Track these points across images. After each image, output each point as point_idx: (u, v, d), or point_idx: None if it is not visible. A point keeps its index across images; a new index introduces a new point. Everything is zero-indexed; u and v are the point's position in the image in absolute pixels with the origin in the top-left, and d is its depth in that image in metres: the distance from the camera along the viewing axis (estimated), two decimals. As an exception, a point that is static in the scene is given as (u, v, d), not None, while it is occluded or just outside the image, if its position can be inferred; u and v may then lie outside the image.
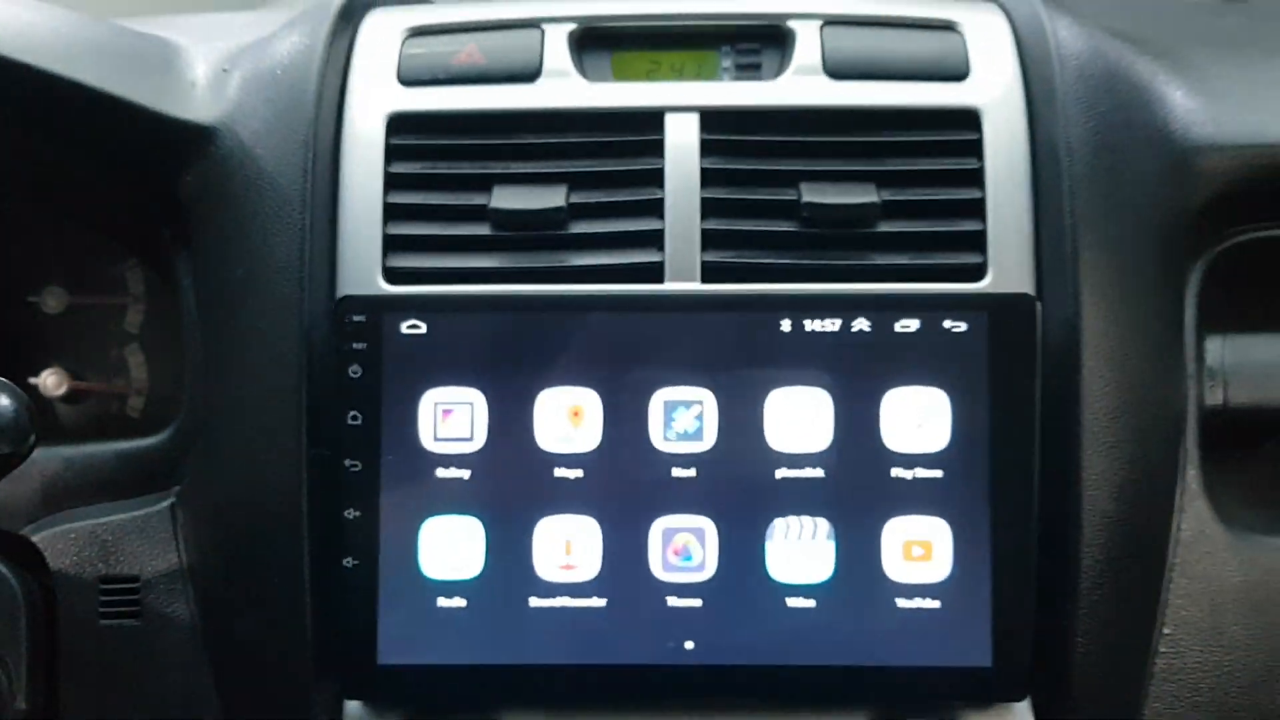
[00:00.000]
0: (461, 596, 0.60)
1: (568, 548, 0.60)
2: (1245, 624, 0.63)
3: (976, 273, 0.61)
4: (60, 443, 0.68)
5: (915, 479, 0.59)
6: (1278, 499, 0.68)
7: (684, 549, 0.60)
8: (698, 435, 0.59)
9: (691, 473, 0.59)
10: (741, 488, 0.59)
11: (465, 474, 0.60)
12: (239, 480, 0.61)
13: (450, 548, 0.60)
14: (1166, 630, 0.63)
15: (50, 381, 0.72)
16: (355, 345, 0.59)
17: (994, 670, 0.59)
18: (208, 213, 0.64)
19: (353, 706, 0.62)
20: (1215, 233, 0.66)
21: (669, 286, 0.61)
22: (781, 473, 0.59)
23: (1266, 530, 0.65)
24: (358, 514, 0.60)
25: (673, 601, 0.59)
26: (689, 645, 0.59)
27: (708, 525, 0.60)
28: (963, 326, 0.59)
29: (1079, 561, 0.59)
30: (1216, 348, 0.65)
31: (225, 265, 0.62)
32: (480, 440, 0.60)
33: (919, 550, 0.59)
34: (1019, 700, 0.59)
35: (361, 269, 0.62)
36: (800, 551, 0.59)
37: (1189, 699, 0.63)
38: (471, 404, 0.59)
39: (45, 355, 0.72)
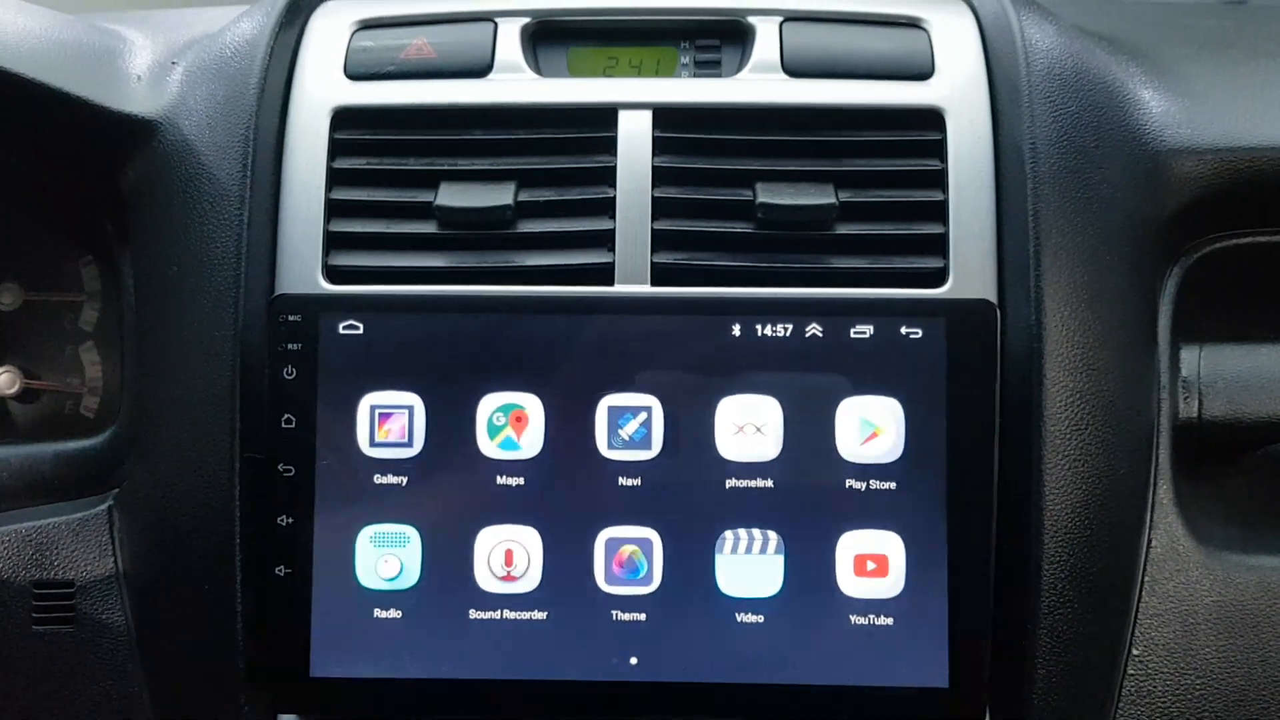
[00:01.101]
0: (398, 607, 0.58)
1: (509, 558, 0.58)
2: (1218, 646, 0.61)
3: (937, 278, 0.59)
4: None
5: (869, 490, 0.57)
6: (1254, 516, 0.65)
7: (629, 560, 0.57)
8: (644, 443, 0.57)
9: (637, 482, 0.57)
10: (689, 498, 0.57)
11: (402, 481, 0.58)
12: (172, 484, 0.60)
13: (386, 557, 0.57)
14: (1135, 652, 0.60)
15: (3, 380, 0.70)
16: (290, 346, 0.57)
17: (950, 691, 0.57)
18: (147, 207, 0.62)
19: (286, 720, 0.60)
20: (1190, 240, 0.64)
21: (618, 289, 0.59)
22: (730, 483, 0.57)
23: (1242, 548, 0.62)
24: (291, 520, 0.58)
25: (617, 615, 0.57)
26: (634, 661, 0.57)
27: (654, 537, 0.57)
28: (919, 333, 0.56)
29: (1040, 578, 0.57)
30: (1191, 358, 0.63)
31: (163, 262, 0.61)
32: (418, 446, 0.58)
33: (872, 565, 0.57)
34: (976, 724, 0.57)
35: (302, 267, 0.60)
36: (750, 565, 0.57)
37: (1158, 724, 0.60)
38: (410, 408, 0.57)
39: (-1, 353, 0.71)
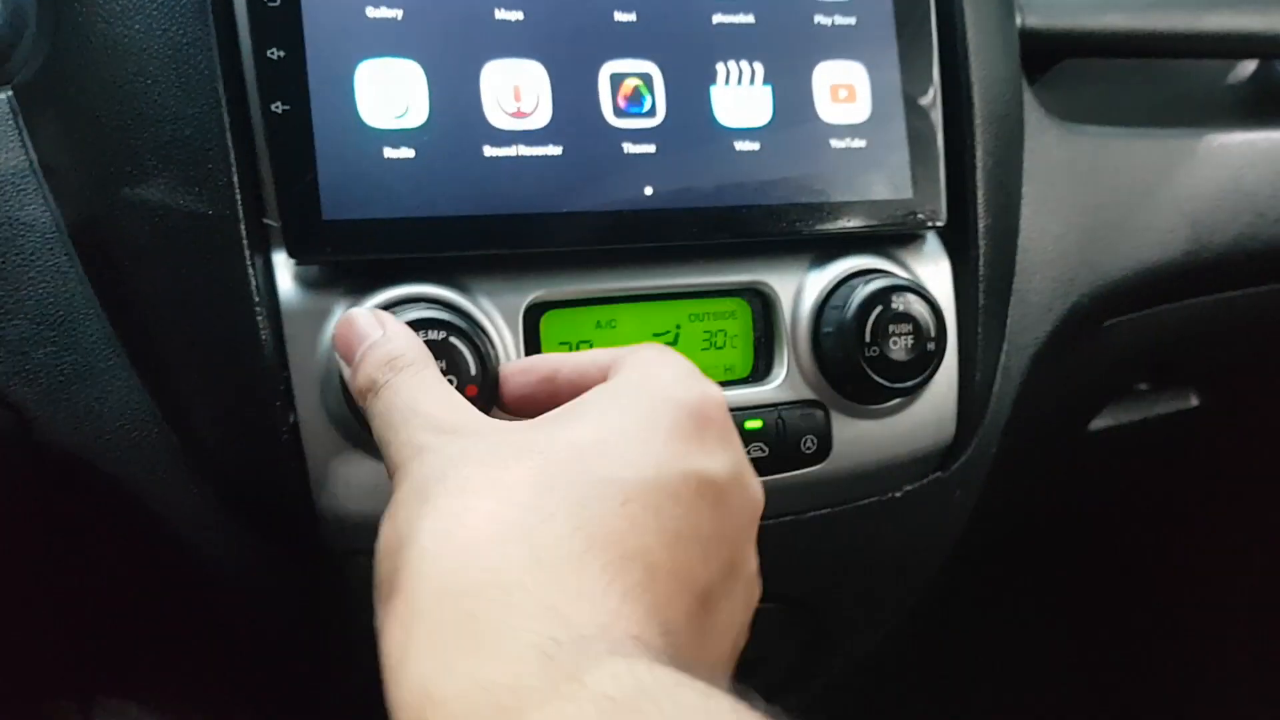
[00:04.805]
0: (409, 146, 0.55)
1: (516, 94, 0.57)
2: (1071, 188, 0.73)
3: None
4: None
5: (834, 25, 0.63)
6: (1080, 111, 0.79)
7: (634, 94, 0.59)
8: (635, -19, 0.59)
9: (633, 16, 0.59)
10: (682, 32, 0.60)
11: (397, 14, 0.55)
12: (119, 39, 0.52)
13: (390, 93, 0.54)
14: (1027, 189, 0.71)
15: None
16: None
17: (916, 199, 0.64)
18: None
19: (287, 283, 0.54)
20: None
21: None
22: (718, 18, 0.60)
23: (1081, 122, 0.76)
24: (282, 54, 0.53)
25: (628, 148, 0.58)
26: (648, 191, 0.58)
27: (654, 70, 0.59)
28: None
29: (973, 109, 0.65)
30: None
31: None
32: (411, -23, 0.55)
33: (844, 93, 0.63)
34: (939, 223, 0.64)
35: None
36: (742, 96, 0.61)
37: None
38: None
39: None
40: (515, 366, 0.49)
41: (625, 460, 0.37)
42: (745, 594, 0.41)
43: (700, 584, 0.37)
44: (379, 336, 0.46)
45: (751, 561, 0.42)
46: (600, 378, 0.45)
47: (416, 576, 0.34)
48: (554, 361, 0.48)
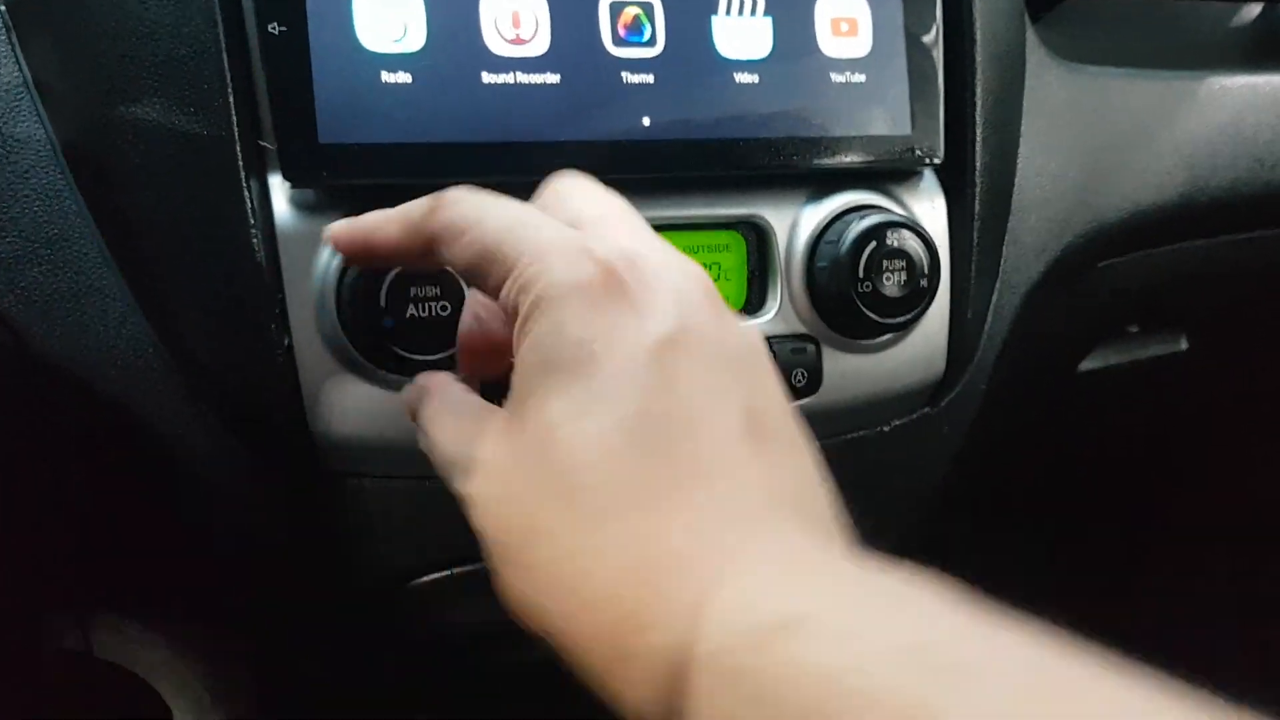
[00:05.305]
0: (406, 71, 0.54)
1: (515, 20, 0.56)
2: (1072, 130, 0.73)
3: None
4: None
5: (837, -47, 0.62)
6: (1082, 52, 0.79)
7: (634, 22, 0.58)
8: (636, -94, 0.58)
9: None
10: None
11: (396, -64, 0.54)
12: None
13: (388, 17, 0.54)
14: (1024, 128, 0.71)
15: None
16: None
17: (915, 135, 0.63)
18: None
19: (283, 206, 0.54)
20: None
21: None
22: (718, -56, 0.60)
23: (1082, 63, 0.75)
24: (279, -27, 0.52)
25: (627, 78, 0.58)
26: (645, 122, 0.58)
27: (654, -1, 0.59)
28: None
29: (974, 52, 0.65)
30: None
31: None
32: (410, -102, 0.54)
33: (845, 26, 0.62)
34: (936, 160, 0.64)
35: None
36: (742, 27, 0.60)
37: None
38: None
39: None
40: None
41: (581, 415, 0.35)
42: (761, 369, 0.39)
43: (734, 426, 0.35)
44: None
45: (729, 325, 0.39)
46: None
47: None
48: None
